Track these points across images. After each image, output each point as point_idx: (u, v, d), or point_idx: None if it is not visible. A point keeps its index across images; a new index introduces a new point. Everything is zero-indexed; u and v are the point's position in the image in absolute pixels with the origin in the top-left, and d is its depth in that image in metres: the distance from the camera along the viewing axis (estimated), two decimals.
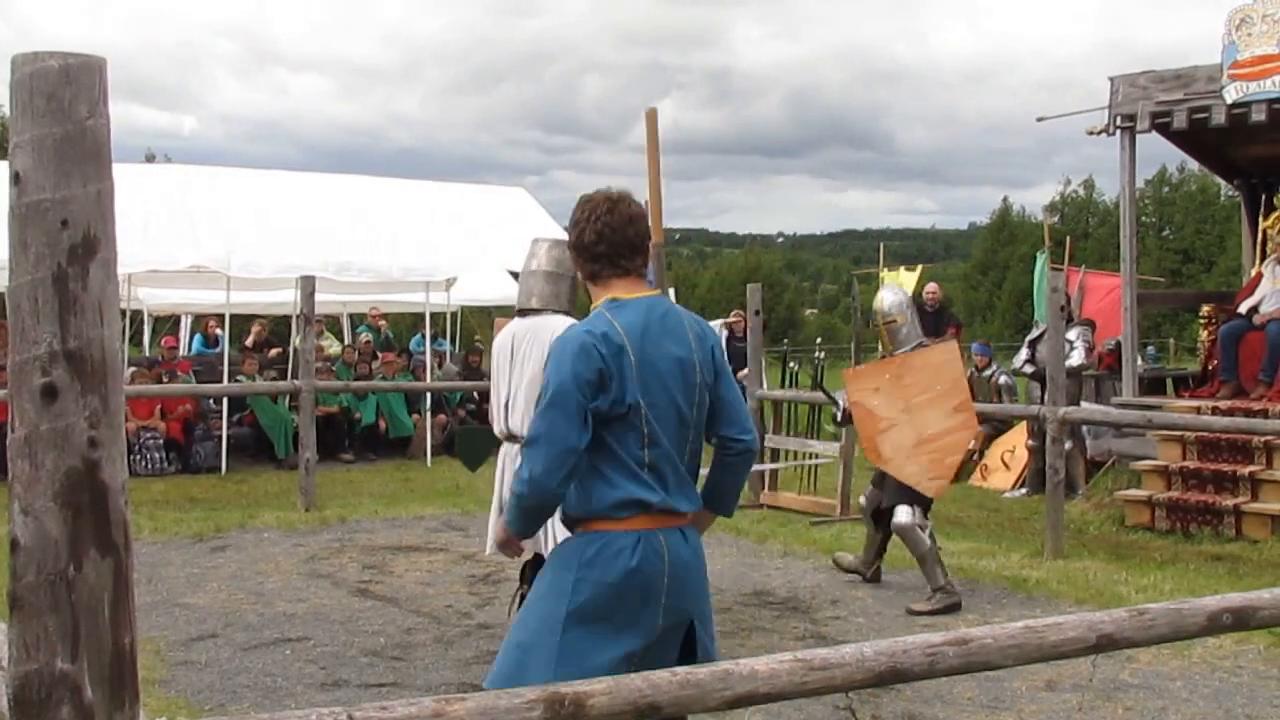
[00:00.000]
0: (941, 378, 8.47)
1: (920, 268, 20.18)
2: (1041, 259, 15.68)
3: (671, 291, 15.66)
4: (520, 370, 6.34)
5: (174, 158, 38.22)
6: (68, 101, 1.97)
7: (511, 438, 6.35)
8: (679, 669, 2.58)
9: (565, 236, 6.46)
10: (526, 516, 3.85)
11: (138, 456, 14.85)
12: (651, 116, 7.26)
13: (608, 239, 3.85)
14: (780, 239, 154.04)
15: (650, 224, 4.97)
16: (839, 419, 9.74)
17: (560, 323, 6.51)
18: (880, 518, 8.72)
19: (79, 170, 1.97)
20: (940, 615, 7.96)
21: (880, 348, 9.29)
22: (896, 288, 10.02)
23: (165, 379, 16.12)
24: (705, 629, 3.89)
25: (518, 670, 3.67)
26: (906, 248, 79.08)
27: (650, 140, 7.18)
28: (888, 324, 8.71)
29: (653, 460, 3.71)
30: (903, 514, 8.33)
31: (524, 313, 6.51)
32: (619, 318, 3.75)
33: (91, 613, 1.98)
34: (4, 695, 2.09)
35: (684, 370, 3.78)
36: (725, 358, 4.07)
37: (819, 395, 13.65)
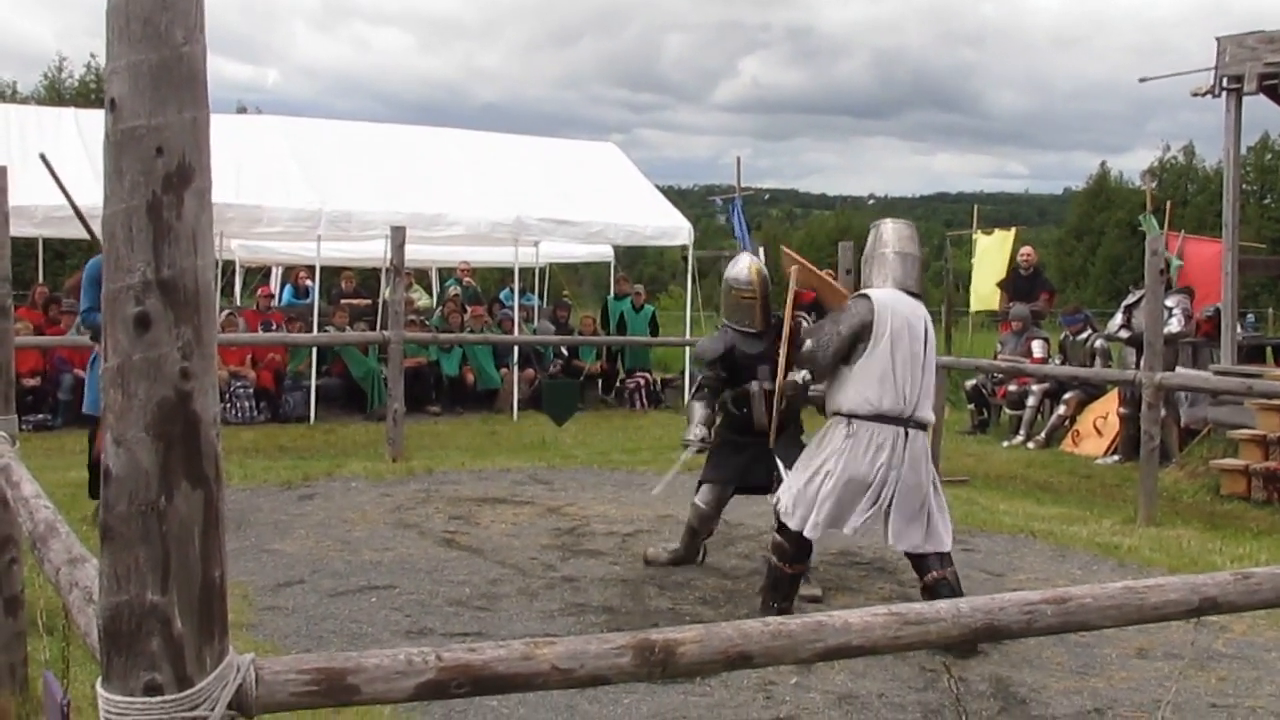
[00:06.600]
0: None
1: (1014, 230, 19.81)
2: (1148, 220, 15.24)
3: (761, 250, 15.55)
4: (929, 358, 6.49)
5: (263, 110, 38.35)
6: (164, 26, 1.93)
7: (918, 424, 6.42)
8: (770, 619, 2.53)
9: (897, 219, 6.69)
10: None
11: (228, 405, 15.01)
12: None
13: None
14: (871, 201, 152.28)
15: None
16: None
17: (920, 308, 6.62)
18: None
19: (175, 96, 1.93)
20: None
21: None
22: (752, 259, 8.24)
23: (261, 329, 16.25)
24: None
25: None
26: (999, 212, 77.67)
27: None
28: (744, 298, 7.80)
29: None
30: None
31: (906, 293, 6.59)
32: None
33: (182, 544, 1.96)
34: (95, 626, 2.09)
35: None
36: None
37: None
